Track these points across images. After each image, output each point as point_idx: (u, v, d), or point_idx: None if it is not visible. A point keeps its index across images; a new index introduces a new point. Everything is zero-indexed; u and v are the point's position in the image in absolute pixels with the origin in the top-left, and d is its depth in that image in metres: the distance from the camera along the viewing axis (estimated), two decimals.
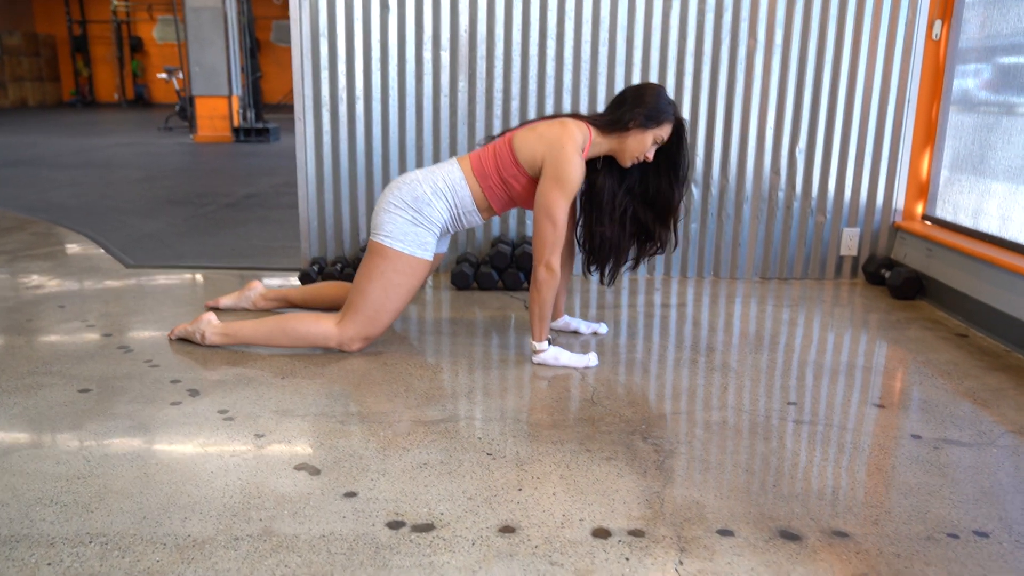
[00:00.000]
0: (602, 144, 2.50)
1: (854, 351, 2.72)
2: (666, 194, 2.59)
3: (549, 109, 3.50)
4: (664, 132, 2.48)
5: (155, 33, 18.97)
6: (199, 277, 3.59)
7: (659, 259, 3.67)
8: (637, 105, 2.44)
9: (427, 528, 1.60)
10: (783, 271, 3.68)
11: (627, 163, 2.51)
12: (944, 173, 3.53)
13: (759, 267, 3.67)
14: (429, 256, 2.54)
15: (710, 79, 3.47)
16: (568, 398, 2.27)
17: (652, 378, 2.44)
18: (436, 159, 3.56)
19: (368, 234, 3.63)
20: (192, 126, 10.92)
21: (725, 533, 1.60)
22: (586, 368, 2.48)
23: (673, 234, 2.66)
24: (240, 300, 3.04)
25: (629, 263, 2.74)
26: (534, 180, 2.49)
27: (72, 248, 4.16)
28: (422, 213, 2.50)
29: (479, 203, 2.55)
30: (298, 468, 1.85)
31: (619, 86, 3.47)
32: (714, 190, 3.58)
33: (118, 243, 4.28)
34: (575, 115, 2.53)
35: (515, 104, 3.51)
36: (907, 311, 3.21)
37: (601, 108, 3.50)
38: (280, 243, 4.35)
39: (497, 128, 3.53)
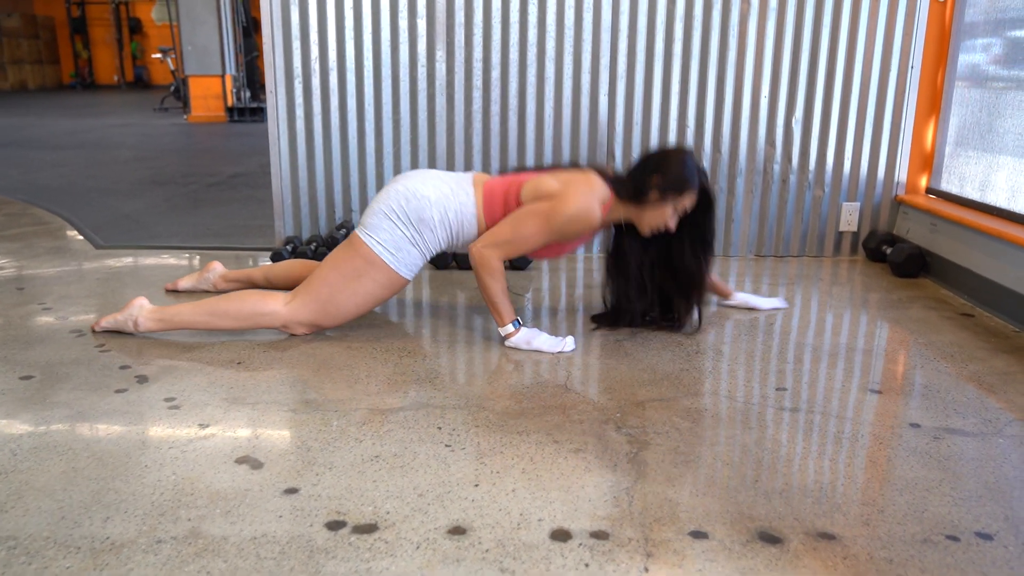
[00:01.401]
0: (619, 210, 2.36)
1: (852, 333, 2.55)
2: (690, 266, 2.43)
3: (531, 79, 3.32)
4: (687, 202, 2.32)
5: (153, 14, 18.75)
6: (169, 258, 3.44)
7: None
8: (658, 172, 2.29)
9: (369, 529, 1.46)
10: (779, 248, 3.51)
11: (646, 233, 2.37)
12: (949, 144, 3.34)
13: (753, 244, 3.50)
14: (411, 276, 2.41)
15: (700, 45, 3.28)
16: (540, 384, 2.12)
17: (633, 362, 2.28)
18: (414, 132, 3.39)
19: (346, 217, 3.48)
20: (186, 106, 10.75)
21: (698, 535, 1.44)
22: (560, 352, 2.32)
23: (696, 314, 2.51)
24: (200, 282, 2.89)
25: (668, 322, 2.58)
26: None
27: (44, 229, 4.01)
28: (422, 236, 2.35)
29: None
30: (239, 461, 1.70)
31: (605, 53, 3.29)
32: (706, 163, 3.40)
33: (93, 224, 4.14)
34: (595, 168, 2.40)
35: (495, 74, 3.33)
36: (909, 289, 3.04)
37: (585, 78, 3.32)
38: (259, 222, 4.20)
39: (477, 100, 3.36)
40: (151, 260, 3.40)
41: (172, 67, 12.54)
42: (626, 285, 2.49)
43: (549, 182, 2.32)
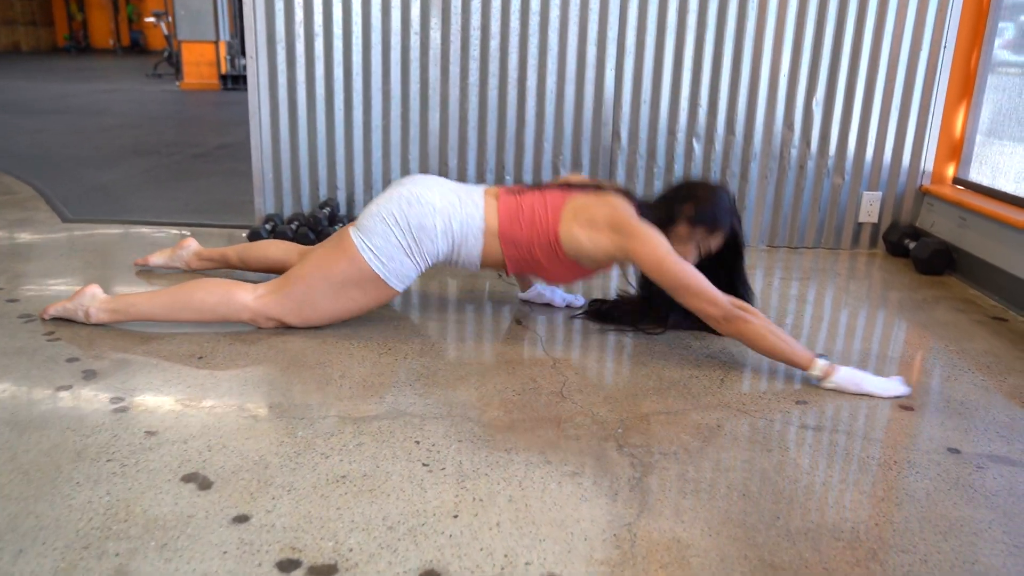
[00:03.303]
0: None
1: (875, 337, 2.33)
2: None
3: (533, 50, 3.07)
4: (714, 242, 2.11)
5: None
6: (139, 233, 3.21)
7: None
8: (691, 202, 2.09)
9: (327, 572, 1.24)
10: (793, 239, 3.28)
11: None
12: (981, 132, 3.10)
13: (766, 234, 3.27)
14: (402, 288, 2.17)
15: (717, 18, 3.03)
16: (534, 391, 1.90)
17: (637, 366, 2.06)
18: (404, 104, 3.15)
19: (330, 195, 3.24)
20: (178, 73, 10.44)
21: None
22: (897, 397, 1.90)
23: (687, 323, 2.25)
24: (172, 259, 2.66)
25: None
26: (576, 263, 2.14)
27: (9, 199, 3.77)
28: (420, 246, 2.11)
29: (487, 260, 2.18)
30: (186, 479, 1.49)
31: (612, 24, 3.04)
32: (718, 145, 3.16)
33: (65, 195, 3.89)
34: (621, 190, 2.16)
35: (494, 43, 3.08)
36: (934, 288, 2.82)
37: (591, 51, 3.07)
38: (241, 198, 3.96)
39: (474, 72, 3.10)
40: (120, 237, 3.17)
41: (166, 32, 12.19)
42: (646, 301, 2.30)
43: (581, 227, 2.08)
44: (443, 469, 1.54)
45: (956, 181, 3.17)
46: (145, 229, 3.29)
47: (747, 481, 1.53)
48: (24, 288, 2.50)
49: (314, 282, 2.09)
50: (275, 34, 3.08)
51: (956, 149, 3.16)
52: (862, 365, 2.10)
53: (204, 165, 4.88)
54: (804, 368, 1.92)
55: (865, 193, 3.20)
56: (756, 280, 2.84)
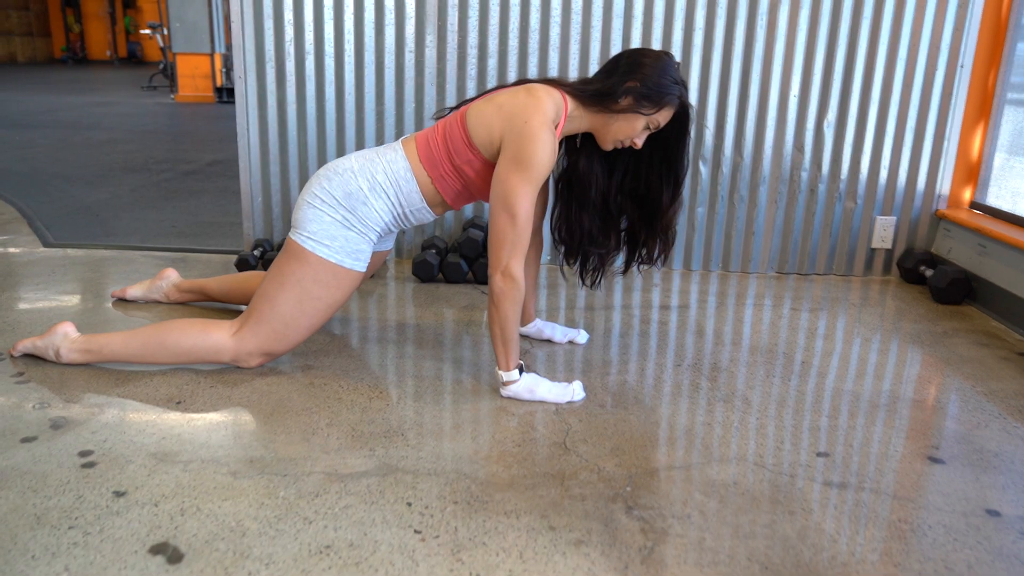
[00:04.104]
0: (581, 119, 1.96)
1: (895, 375, 2.21)
2: (655, 193, 2.07)
3: (533, 69, 2.95)
4: (662, 118, 1.94)
5: None
6: (122, 259, 3.08)
7: None
8: (632, 76, 1.89)
9: None
10: (803, 265, 3.15)
11: (608, 146, 1.99)
12: (1000, 154, 2.98)
13: (775, 260, 3.15)
14: (361, 267, 2.02)
15: (724, 35, 2.91)
16: (534, 441, 1.77)
17: (644, 412, 1.93)
18: (399, 126, 3.02)
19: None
20: (172, 85, 10.33)
21: None
22: (569, 403, 1.96)
23: (663, 245, 2.15)
24: (151, 291, 2.53)
25: (618, 266, 2.25)
26: (492, 165, 1.96)
27: None
28: (356, 214, 1.97)
29: (429, 198, 2.02)
30: (155, 550, 1.35)
31: (616, 42, 2.92)
32: (725, 168, 3.04)
33: (49, 216, 3.77)
34: (548, 80, 1.98)
35: (492, 62, 2.96)
36: (953, 319, 2.69)
37: (594, 70, 2.95)
38: (231, 219, 3.83)
39: (471, 91, 2.99)
40: (102, 263, 3.04)
41: (162, 44, 12.10)
42: (580, 205, 2.10)
43: (487, 108, 1.91)
44: (436, 537, 1.41)
45: (973, 205, 3.05)
46: (129, 254, 3.16)
47: (768, 550, 1.39)
48: None
49: (275, 295, 1.96)
50: (264, 52, 2.96)
51: (973, 172, 3.04)
52: (894, 411, 1.97)
53: (194, 183, 4.76)
54: (503, 368, 1.94)
55: (878, 218, 3.08)
56: (764, 309, 2.72)
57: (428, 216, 2.07)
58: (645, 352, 2.31)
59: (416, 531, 1.43)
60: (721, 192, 3.07)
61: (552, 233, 2.19)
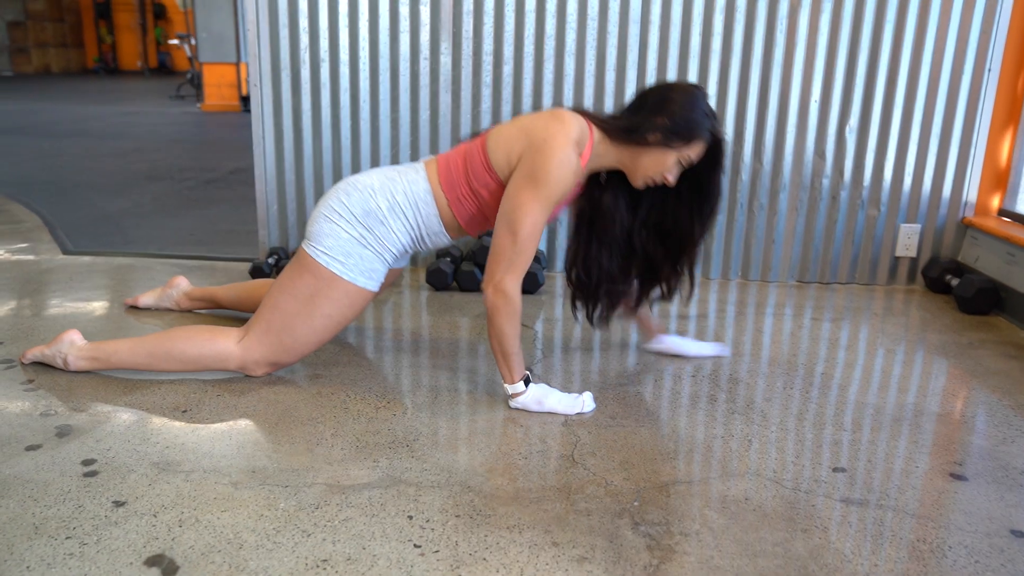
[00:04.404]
0: (608, 155, 1.91)
1: (918, 387, 2.14)
2: (685, 229, 2.00)
3: (548, 75, 2.92)
4: (694, 153, 1.87)
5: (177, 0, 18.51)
6: (139, 267, 3.09)
7: None
8: (661, 112, 1.83)
9: None
10: (825, 274, 3.08)
11: (639, 184, 1.92)
12: None
13: (796, 269, 3.08)
14: (374, 286, 2.00)
15: (743, 40, 2.86)
16: (541, 454, 1.73)
17: (655, 425, 1.88)
18: (413, 133, 3.01)
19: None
20: (199, 94, 10.46)
21: None
22: (579, 415, 1.91)
23: (688, 281, 2.09)
24: (162, 299, 2.54)
25: (622, 308, 2.18)
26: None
27: (14, 229, 3.68)
28: (373, 232, 1.94)
29: (447, 222, 1.98)
30: (150, 562, 1.33)
31: (633, 47, 2.88)
32: (745, 175, 2.99)
33: (70, 224, 3.81)
34: (577, 109, 1.93)
35: (507, 69, 2.93)
36: (980, 330, 2.61)
37: (610, 76, 2.92)
38: (248, 228, 3.84)
39: (486, 98, 2.96)
40: (118, 270, 3.05)
41: (189, 54, 12.25)
42: (599, 251, 2.01)
43: (509, 130, 1.88)
44: (436, 552, 1.37)
45: (1002, 212, 2.97)
46: (147, 261, 3.17)
47: (779, 570, 1.34)
48: (10, 331, 2.38)
49: (285, 307, 1.94)
50: (279, 61, 2.96)
51: (1002, 178, 2.96)
52: (916, 425, 1.91)
53: (215, 191, 4.79)
54: (508, 381, 1.91)
55: (903, 225, 3.00)
56: (785, 319, 2.65)
57: (445, 240, 2.04)
58: (660, 364, 2.26)
59: (416, 545, 1.39)
60: (740, 199, 3.01)
61: (567, 273, 2.10)
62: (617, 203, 1.97)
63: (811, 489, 1.60)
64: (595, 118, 1.90)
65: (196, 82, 11.36)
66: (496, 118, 2.97)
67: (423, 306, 2.74)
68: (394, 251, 1.99)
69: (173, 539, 1.40)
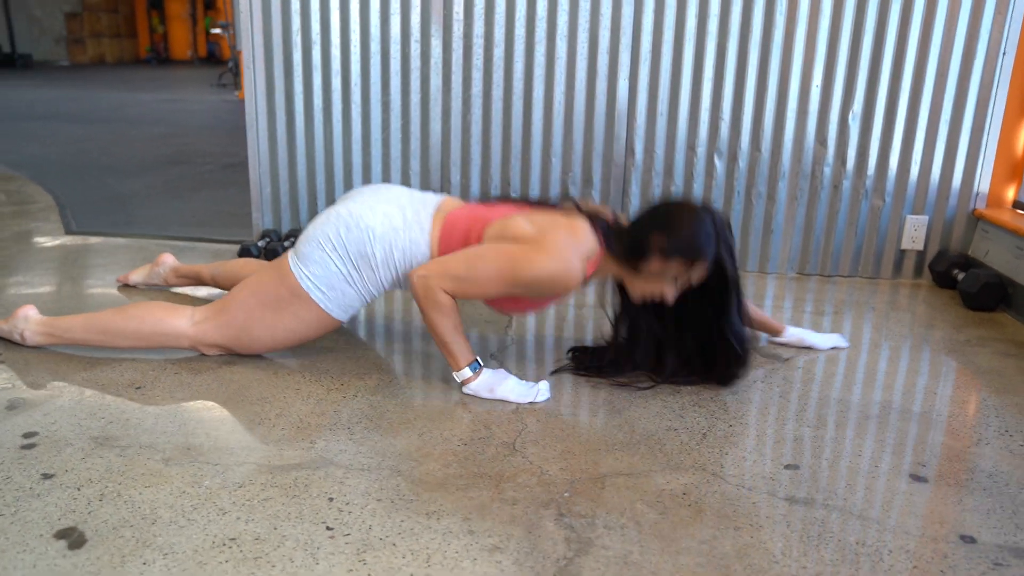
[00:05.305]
0: (611, 268, 1.89)
1: (903, 385, 2.03)
2: (711, 338, 1.92)
3: (540, 58, 2.86)
4: (696, 274, 1.80)
5: None
6: (134, 248, 3.12)
7: None
8: (663, 230, 1.76)
9: None
10: (826, 266, 2.96)
11: (635, 299, 1.89)
12: None
13: (795, 260, 2.97)
14: (346, 318, 2.00)
15: (741, 21, 2.76)
16: (483, 440, 1.68)
17: (611, 415, 1.82)
18: (405, 117, 2.97)
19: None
20: (238, 83, 10.60)
21: None
22: (531, 404, 1.86)
23: (734, 374, 1.96)
24: (150, 276, 2.56)
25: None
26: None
27: (26, 209, 3.76)
28: (360, 274, 1.93)
29: None
30: (60, 535, 1.33)
31: (625, 30, 2.80)
32: (742, 163, 2.89)
33: (81, 205, 3.87)
34: (588, 212, 1.90)
35: (498, 52, 2.88)
36: (983, 327, 2.48)
37: (603, 59, 2.84)
38: (248, 210, 3.85)
39: (477, 82, 2.91)
40: (114, 249, 3.09)
41: (231, 43, 12.43)
42: (630, 345, 2.00)
43: (521, 225, 1.84)
44: (347, 536, 1.34)
45: (1016, 205, 2.81)
46: (143, 241, 3.21)
47: (699, 568, 1.27)
48: None
49: (252, 309, 1.93)
50: (271, 42, 2.95)
51: (1017, 169, 2.80)
52: (889, 424, 1.81)
53: (229, 175, 4.83)
54: (454, 368, 1.87)
55: (909, 217, 2.87)
56: (784, 311, 2.56)
57: None
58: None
59: (328, 528, 1.36)
60: (737, 187, 2.91)
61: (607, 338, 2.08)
62: (641, 309, 1.95)
63: (754, 486, 1.52)
64: (603, 230, 1.86)
65: (236, 70, 11.52)
66: (487, 101, 2.92)
67: (403, 292, 2.71)
68: (375, 293, 1.98)
69: (90, 512, 1.39)
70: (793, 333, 2.24)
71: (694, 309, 1.89)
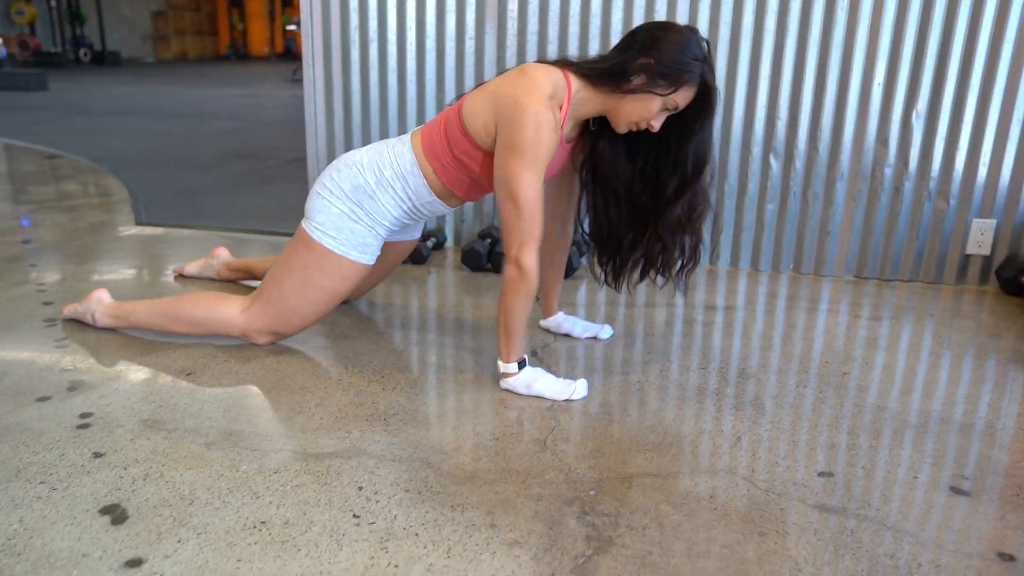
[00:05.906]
0: (592, 101, 1.83)
1: (956, 396, 1.96)
2: (665, 183, 1.90)
3: (594, 55, 2.85)
4: (680, 98, 1.77)
5: None
6: (196, 239, 3.25)
7: (724, 245, 2.96)
8: (648, 53, 1.74)
9: None
10: (885, 270, 2.87)
11: (621, 129, 1.85)
12: None
13: (853, 263, 2.88)
14: (367, 259, 2.02)
15: (800, 17, 2.70)
16: (515, 436, 1.70)
17: (643, 416, 1.81)
18: None
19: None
20: None
21: None
22: (568, 401, 1.87)
23: (677, 246, 1.96)
24: (205, 268, 2.66)
25: (643, 270, 2.05)
26: (491, 155, 1.89)
27: (103, 201, 3.95)
28: (363, 207, 1.97)
29: (437, 190, 1.98)
30: (104, 511, 1.40)
31: None
32: (799, 163, 2.82)
33: (152, 197, 4.05)
34: (554, 61, 1.87)
35: (552, 48, 2.88)
36: None
37: None
38: None
39: None
40: (179, 241, 3.22)
41: None
42: (606, 203, 1.97)
43: (480, 97, 1.83)
44: (372, 524, 1.37)
45: None
46: (205, 233, 3.33)
47: (718, 573, 1.26)
48: (64, 293, 2.55)
49: (285, 284, 2.00)
50: (330, 40, 3.03)
51: None
52: (932, 436, 1.75)
53: (294, 170, 4.96)
54: (504, 360, 1.88)
55: (975, 220, 2.76)
56: (840, 316, 2.49)
57: (442, 208, 2.04)
58: (670, 354, 2.17)
59: (355, 515, 1.40)
60: (794, 188, 2.84)
61: (579, 226, 2.10)
62: (615, 150, 1.91)
63: (785, 492, 1.50)
64: (572, 65, 1.83)
65: None
66: None
67: (451, 285, 2.75)
68: (386, 224, 2.00)
69: (133, 491, 1.46)
70: (556, 318, 2.25)
71: (665, 134, 1.87)
